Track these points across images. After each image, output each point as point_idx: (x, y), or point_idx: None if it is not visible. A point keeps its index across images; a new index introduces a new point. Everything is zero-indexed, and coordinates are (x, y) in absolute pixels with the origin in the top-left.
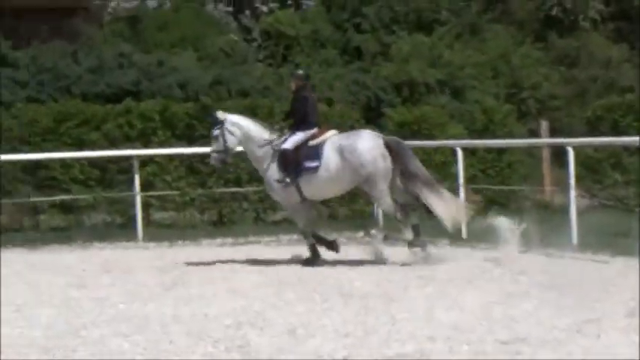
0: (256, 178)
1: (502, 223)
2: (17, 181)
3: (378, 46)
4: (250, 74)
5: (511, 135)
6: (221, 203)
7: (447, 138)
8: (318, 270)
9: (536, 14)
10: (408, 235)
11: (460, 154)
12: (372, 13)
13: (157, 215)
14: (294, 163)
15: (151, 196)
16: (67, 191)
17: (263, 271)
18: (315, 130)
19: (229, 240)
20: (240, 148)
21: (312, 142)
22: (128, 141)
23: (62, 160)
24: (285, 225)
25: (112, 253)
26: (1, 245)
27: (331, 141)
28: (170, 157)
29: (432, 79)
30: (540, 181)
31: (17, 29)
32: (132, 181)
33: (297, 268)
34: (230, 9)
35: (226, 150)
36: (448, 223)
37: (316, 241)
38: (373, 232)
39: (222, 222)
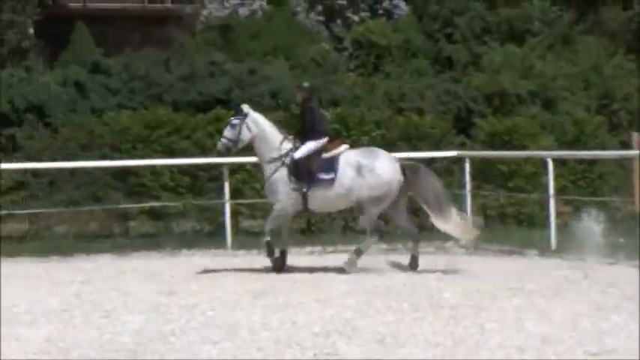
0: None
1: (591, 234)
2: (108, 187)
3: (470, 57)
4: (341, 83)
5: (602, 147)
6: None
7: (538, 149)
8: (408, 280)
9: (629, 25)
10: (366, 247)
11: (550, 165)
12: (464, 24)
13: (246, 223)
14: (307, 173)
15: (240, 204)
16: (157, 198)
17: (351, 280)
18: (325, 140)
19: (318, 248)
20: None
21: (326, 155)
22: None
23: (152, 168)
24: None
25: (200, 260)
26: None
27: (346, 156)
28: (259, 166)
29: (524, 90)
30: (631, 193)
31: (109, 36)
32: (221, 188)
33: (386, 278)
34: (322, 18)
35: (237, 141)
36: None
37: (269, 253)
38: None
39: (311, 230)
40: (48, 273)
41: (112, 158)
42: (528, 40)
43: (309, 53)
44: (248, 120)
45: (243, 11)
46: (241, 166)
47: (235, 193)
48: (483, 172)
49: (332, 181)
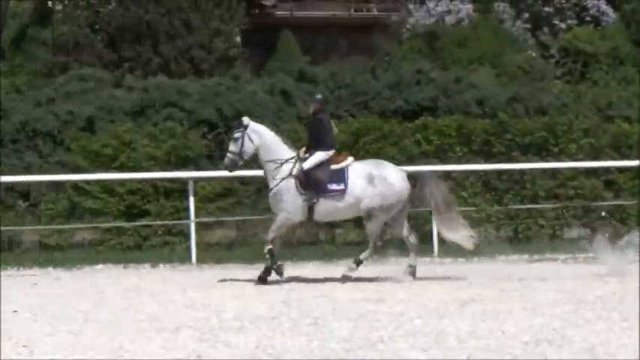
0: (553, 194)
1: None
2: None
3: None
4: (548, 91)
5: None
6: (517, 220)
7: None
8: (614, 289)
9: None
10: (365, 256)
11: None
12: None
13: None
14: (316, 184)
15: None
16: None
17: (560, 289)
18: (333, 152)
19: (525, 257)
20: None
21: (334, 166)
22: (425, 157)
23: None
24: (581, 243)
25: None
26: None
27: (355, 167)
28: (466, 174)
29: None
30: None
31: (315, 45)
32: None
33: (595, 286)
34: (528, 26)
35: (241, 154)
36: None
37: (272, 263)
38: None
39: (518, 238)
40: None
41: None
42: None
43: (515, 61)
44: (249, 131)
45: (450, 19)
46: (448, 174)
47: None
48: None
49: (342, 191)
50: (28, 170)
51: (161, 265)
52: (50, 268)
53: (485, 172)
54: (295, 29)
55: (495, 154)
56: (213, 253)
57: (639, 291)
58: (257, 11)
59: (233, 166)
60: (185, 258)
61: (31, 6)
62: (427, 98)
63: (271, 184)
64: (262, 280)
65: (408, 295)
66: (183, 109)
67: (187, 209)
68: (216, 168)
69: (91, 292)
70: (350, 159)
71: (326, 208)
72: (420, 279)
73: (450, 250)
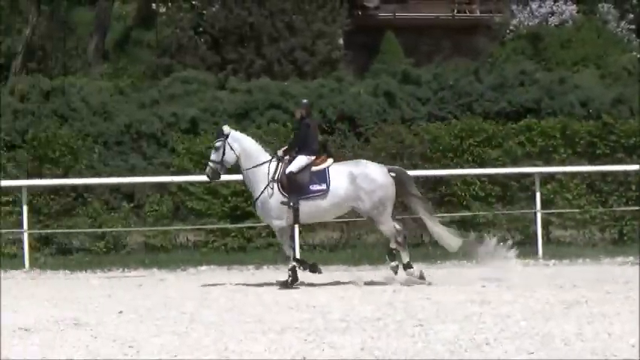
0: None
1: None
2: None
3: None
4: None
5: None
6: (622, 221)
7: None
8: None
9: None
10: (406, 257)
11: None
12: None
13: (557, 233)
14: (298, 187)
15: (551, 214)
16: (467, 208)
17: None
18: (314, 157)
19: (630, 259)
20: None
21: (315, 168)
22: (529, 159)
23: (463, 177)
24: None
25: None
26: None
27: (334, 168)
28: (571, 175)
29: None
30: None
31: (418, 46)
32: (532, 198)
33: None
34: (633, 27)
35: (222, 163)
36: (446, 245)
37: (299, 264)
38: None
39: (623, 240)
40: (359, 281)
41: (422, 168)
42: None
43: (619, 62)
44: (230, 140)
45: (553, 20)
46: (552, 176)
47: (546, 203)
48: None
49: (324, 191)
50: (132, 172)
51: (265, 267)
52: (155, 269)
53: (590, 174)
54: (398, 31)
55: (599, 156)
56: (317, 254)
57: (639, 291)
58: (360, 13)
59: (215, 176)
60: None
61: (135, 8)
62: (531, 100)
63: (256, 194)
64: (286, 284)
65: (512, 297)
66: (286, 110)
67: None
68: None
69: (195, 294)
70: (329, 160)
71: (309, 209)
72: (526, 280)
73: (555, 252)
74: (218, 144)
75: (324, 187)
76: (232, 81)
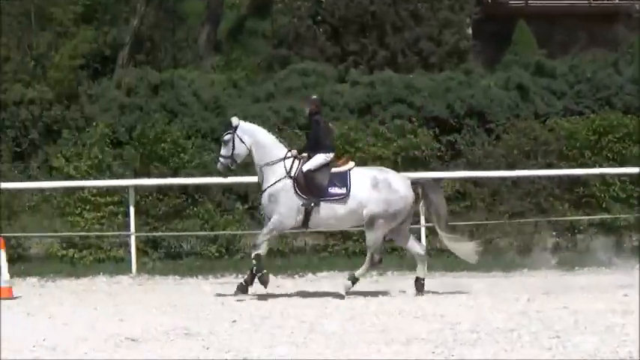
0: None
1: None
2: (554, 198)
3: None
4: None
5: None
6: None
7: None
8: None
9: None
10: (361, 273)
11: None
12: None
13: None
14: (316, 187)
15: None
16: (607, 210)
17: None
18: (332, 155)
19: None
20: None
21: (335, 170)
22: None
23: (602, 177)
24: None
25: None
26: None
27: (358, 171)
28: None
29: None
30: None
31: (553, 36)
32: None
33: None
34: None
35: (233, 157)
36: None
37: (259, 269)
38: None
39: None
40: (491, 289)
41: (558, 167)
42: None
43: None
44: (239, 132)
45: None
46: None
47: None
48: None
49: (344, 195)
50: (246, 170)
51: (389, 273)
52: (270, 275)
53: None
54: (530, 20)
55: None
56: (444, 259)
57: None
58: (489, 1)
59: (226, 172)
60: (412, 265)
61: None
62: None
63: (265, 185)
64: (242, 288)
65: None
66: (412, 105)
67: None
68: (447, 169)
69: (314, 301)
70: (351, 163)
71: (326, 213)
72: None
73: None
74: (227, 137)
75: (344, 190)
76: (353, 73)
